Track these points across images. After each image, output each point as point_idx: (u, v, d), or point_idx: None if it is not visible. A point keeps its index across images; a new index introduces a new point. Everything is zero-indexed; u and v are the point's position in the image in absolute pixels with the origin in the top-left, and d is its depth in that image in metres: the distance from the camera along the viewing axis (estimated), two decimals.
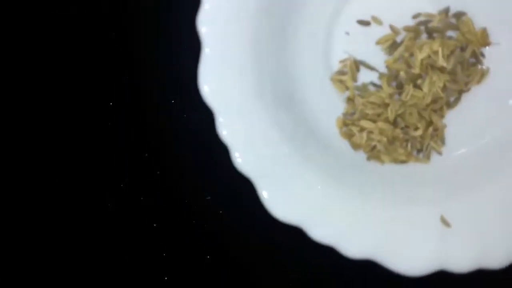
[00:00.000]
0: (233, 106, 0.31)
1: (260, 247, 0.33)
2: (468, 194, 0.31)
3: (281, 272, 0.33)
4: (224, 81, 0.30)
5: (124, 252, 0.34)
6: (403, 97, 0.33)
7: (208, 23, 0.30)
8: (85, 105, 0.34)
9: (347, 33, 0.34)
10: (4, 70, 0.35)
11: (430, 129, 0.33)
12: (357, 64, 0.34)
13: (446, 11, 0.33)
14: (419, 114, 0.33)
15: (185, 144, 0.34)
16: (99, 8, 0.34)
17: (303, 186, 0.31)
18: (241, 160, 0.30)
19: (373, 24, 0.33)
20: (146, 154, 0.34)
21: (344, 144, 0.34)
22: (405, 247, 0.30)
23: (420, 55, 0.32)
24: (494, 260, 0.29)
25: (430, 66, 0.33)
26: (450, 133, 0.33)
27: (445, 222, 0.30)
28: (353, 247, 0.30)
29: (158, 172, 0.34)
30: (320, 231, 0.30)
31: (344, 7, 0.33)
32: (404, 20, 0.33)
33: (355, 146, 0.33)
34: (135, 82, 0.34)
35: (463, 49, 0.33)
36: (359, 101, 0.33)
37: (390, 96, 0.33)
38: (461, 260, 0.29)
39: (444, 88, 0.33)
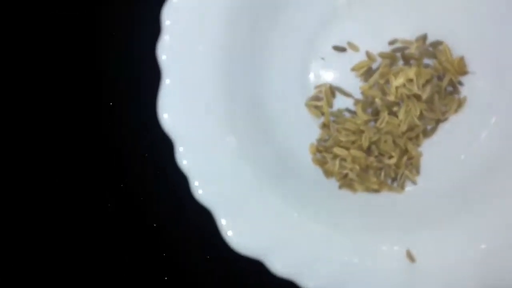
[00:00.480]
0: (194, 135, 0.30)
1: None
2: (438, 228, 0.30)
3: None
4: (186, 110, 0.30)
5: (124, 252, 0.34)
6: (378, 124, 0.32)
7: (168, 50, 0.30)
8: (85, 105, 0.34)
9: (323, 59, 0.33)
10: (4, 70, 0.35)
11: (405, 157, 0.32)
12: (332, 90, 0.33)
13: (423, 38, 0.32)
14: (394, 142, 0.32)
15: None
16: (100, 8, 0.35)
17: (267, 216, 0.30)
18: (202, 191, 0.30)
19: (349, 50, 0.33)
20: (146, 154, 0.34)
21: (317, 171, 0.33)
22: (369, 280, 0.29)
23: (395, 82, 0.32)
24: None
25: (406, 94, 0.32)
26: (425, 162, 0.32)
27: (410, 257, 0.29)
28: (313, 278, 0.29)
29: (158, 172, 0.34)
30: (280, 264, 0.29)
31: (320, 32, 0.33)
32: (381, 46, 0.33)
33: (328, 174, 0.33)
34: (135, 82, 0.34)
35: (440, 78, 0.32)
36: (334, 127, 0.33)
37: (365, 123, 0.32)
38: None
39: (421, 116, 0.32)
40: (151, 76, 0.31)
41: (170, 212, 0.34)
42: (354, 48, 0.33)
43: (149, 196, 0.34)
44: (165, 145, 0.30)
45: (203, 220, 0.32)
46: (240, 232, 0.30)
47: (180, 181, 0.30)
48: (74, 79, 0.35)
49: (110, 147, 0.34)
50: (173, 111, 0.30)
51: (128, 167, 0.34)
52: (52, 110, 0.35)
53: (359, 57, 0.33)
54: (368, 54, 0.33)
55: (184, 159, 0.30)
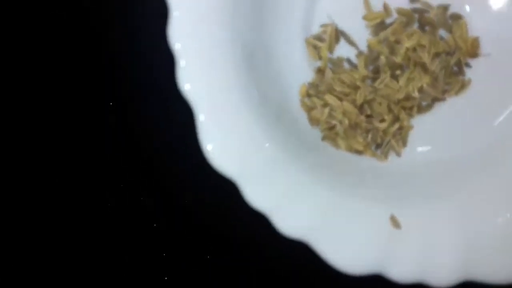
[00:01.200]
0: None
1: (260, 247, 0.32)
2: (421, 203, 0.28)
3: (281, 272, 0.33)
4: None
5: (124, 252, 0.34)
6: (376, 84, 0.30)
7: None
8: (85, 105, 0.34)
9: None
10: (4, 70, 0.34)
11: (396, 125, 0.30)
12: (337, 34, 0.30)
13: (445, 7, 0.30)
14: (388, 106, 0.30)
15: (186, 144, 0.31)
16: (100, 8, 0.34)
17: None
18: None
19: None
20: (146, 154, 0.34)
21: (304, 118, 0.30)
22: (347, 240, 0.27)
23: (407, 44, 0.29)
24: (437, 277, 0.26)
25: (413, 60, 0.30)
26: (413, 136, 0.30)
27: (395, 222, 0.27)
28: (288, 222, 0.27)
29: (158, 172, 0.33)
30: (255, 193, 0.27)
31: None
32: (401, 1, 0.30)
33: (313, 121, 0.30)
34: (135, 82, 0.33)
35: (449, 54, 0.30)
36: (329, 74, 0.30)
37: (363, 79, 0.30)
38: (402, 269, 0.26)
39: (421, 89, 0.30)
40: (151, 75, 0.31)
41: (170, 212, 0.33)
42: None
43: (149, 196, 0.34)
44: (165, 145, 0.30)
45: (203, 220, 0.32)
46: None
47: (180, 180, 0.30)
48: (74, 79, 0.34)
49: (110, 147, 0.34)
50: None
51: (128, 167, 0.34)
52: (52, 110, 0.34)
53: (374, 7, 0.30)
54: (385, 7, 0.30)
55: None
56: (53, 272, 0.34)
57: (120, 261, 0.34)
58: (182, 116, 0.30)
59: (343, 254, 0.27)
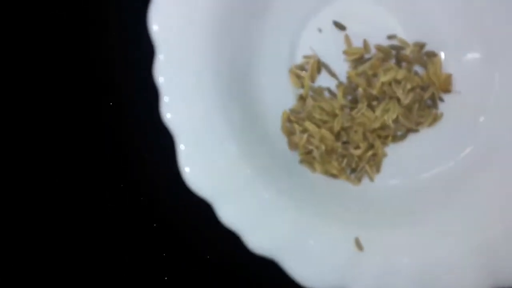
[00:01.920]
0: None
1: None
2: (385, 228, 0.29)
3: (282, 271, 0.32)
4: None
5: (124, 252, 0.34)
6: (353, 112, 0.32)
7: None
8: (85, 105, 0.34)
9: (320, 30, 0.32)
10: (4, 70, 0.34)
11: (370, 152, 0.32)
12: (319, 65, 0.32)
13: (421, 45, 0.32)
14: (364, 134, 0.32)
15: None
16: (100, 8, 0.34)
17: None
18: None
19: (347, 31, 0.32)
20: (146, 154, 0.34)
21: (283, 141, 0.32)
22: (312, 258, 0.28)
23: (383, 78, 0.32)
24: None
25: (388, 93, 0.32)
26: (387, 164, 0.32)
27: (359, 245, 0.29)
28: (257, 240, 0.28)
29: (158, 172, 0.33)
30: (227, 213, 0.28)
31: (325, 4, 0.32)
32: (379, 36, 0.32)
33: (292, 145, 0.32)
34: (135, 82, 0.33)
35: (423, 89, 0.32)
36: (310, 102, 0.32)
37: (341, 108, 0.32)
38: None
39: (396, 120, 0.32)
40: (151, 76, 0.30)
41: (170, 212, 0.34)
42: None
43: (149, 196, 0.34)
44: (165, 145, 0.30)
45: (203, 220, 0.31)
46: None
47: (180, 181, 0.29)
48: (74, 79, 0.34)
49: (110, 147, 0.34)
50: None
51: (128, 167, 0.34)
52: (52, 110, 0.34)
53: (354, 42, 0.32)
54: (365, 43, 0.32)
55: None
56: (53, 272, 0.34)
57: (120, 261, 0.34)
58: None
59: (307, 271, 0.28)
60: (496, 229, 0.28)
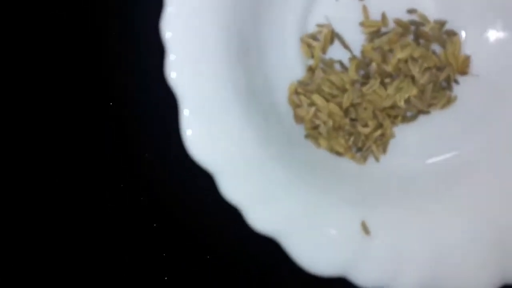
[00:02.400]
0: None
1: (261, 246, 0.31)
2: (394, 210, 0.28)
3: (282, 271, 0.32)
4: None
5: (124, 252, 0.34)
6: (365, 89, 0.30)
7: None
8: (85, 105, 0.34)
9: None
10: (3, 70, 0.34)
11: (378, 131, 0.30)
12: (332, 36, 0.31)
13: (442, 23, 0.31)
14: (374, 112, 0.30)
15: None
16: (100, 8, 0.34)
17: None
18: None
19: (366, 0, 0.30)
20: (146, 154, 0.33)
21: (290, 114, 0.30)
22: (316, 240, 0.27)
23: (400, 54, 0.30)
24: (403, 285, 0.27)
25: (403, 71, 0.30)
26: (394, 144, 0.31)
27: (365, 229, 0.28)
28: (258, 217, 0.27)
29: (158, 172, 0.33)
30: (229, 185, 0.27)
31: None
32: (399, 9, 0.31)
33: (298, 119, 0.30)
34: (135, 81, 0.33)
35: (439, 69, 0.31)
36: (319, 74, 0.30)
37: (352, 82, 0.30)
38: (368, 275, 0.27)
39: (407, 100, 0.30)
40: (151, 75, 0.30)
41: (170, 212, 0.33)
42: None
43: (149, 196, 0.34)
44: (165, 145, 0.30)
45: (203, 220, 0.32)
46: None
47: (180, 180, 0.30)
48: (74, 79, 0.34)
49: (110, 147, 0.34)
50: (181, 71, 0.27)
51: (128, 167, 0.34)
52: (52, 110, 0.34)
53: (373, 14, 0.31)
54: (383, 16, 0.31)
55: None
56: (53, 272, 0.34)
57: (120, 261, 0.34)
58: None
59: (310, 254, 0.27)
60: (507, 215, 0.27)
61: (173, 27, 0.28)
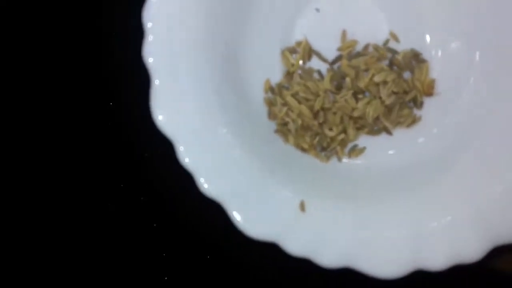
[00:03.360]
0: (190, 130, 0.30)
1: (260, 245, 0.32)
2: (337, 198, 0.31)
3: (281, 271, 0.33)
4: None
5: (124, 252, 0.34)
6: (337, 97, 0.33)
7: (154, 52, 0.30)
8: (85, 105, 0.34)
9: (317, 10, 0.34)
10: (3, 70, 0.35)
11: (342, 135, 0.33)
12: (310, 51, 0.34)
13: (415, 54, 0.33)
14: (341, 118, 0.33)
15: None
16: (100, 8, 0.35)
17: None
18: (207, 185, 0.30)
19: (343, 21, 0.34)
20: (146, 154, 0.34)
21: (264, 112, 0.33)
22: (256, 208, 0.30)
23: (377, 78, 0.32)
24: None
25: (373, 91, 0.33)
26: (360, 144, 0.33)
27: (302, 206, 0.30)
28: (210, 184, 0.29)
29: (158, 172, 0.34)
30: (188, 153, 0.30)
31: None
32: (376, 37, 0.34)
33: (271, 116, 0.33)
34: (135, 81, 0.33)
35: (406, 92, 0.33)
36: (297, 78, 0.33)
37: (325, 91, 0.33)
38: (295, 243, 0.29)
39: (375, 117, 0.33)
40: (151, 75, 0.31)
41: (170, 212, 0.34)
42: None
43: (149, 196, 0.34)
44: (165, 145, 0.30)
45: (203, 220, 0.33)
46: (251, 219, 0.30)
47: (180, 180, 0.30)
48: (74, 79, 0.35)
49: (110, 147, 0.34)
50: (166, 109, 0.30)
51: (128, 167, 0.34)
52: (52, 110, 0.35)
53: (349, 28, 0.34)
54: (365, 47, 0.34)
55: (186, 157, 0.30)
56: (53, 272, 0.34)
57: (120, 261, 0.34)
58: None
59: (250, 219, 0.29)
60: (488, 194, 0.30)
61: (155, 17, 0.30)
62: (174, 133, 0.30)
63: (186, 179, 0.30)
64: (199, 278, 0.34)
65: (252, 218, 0.29)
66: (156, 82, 0.30)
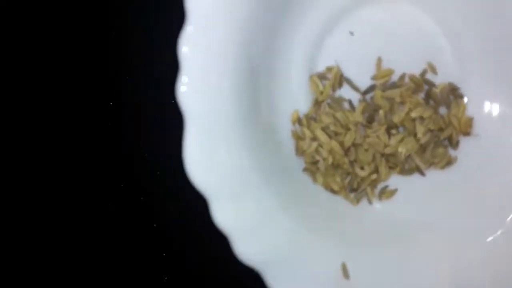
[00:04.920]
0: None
1: None
2: (374, 253, 0.28)
3: None
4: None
5: (124, 252, 0.34)
6: (370, 131, 0.30)
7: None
8: (85, 105, 0.34)
9: (351, 33, 0.31)
10: (3, 70, 0.34)
11: (374, 175, 0.30)
12: (341, 79, 0.31)
13: (453, 88, 0.31)
14: (373, 156, 0.30)
15: None
16: (99, 8, 0.34)
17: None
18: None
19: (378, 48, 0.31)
20: (146, 154, 0.34)
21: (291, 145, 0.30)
22: (296, 275, 0.27)
23: (413, 114, 0.30)
24: None
25: (408, 127, 0.30)
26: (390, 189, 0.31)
27: (345, 271, 0.27)
28: (245, 248, 0.27)
29: (158, 172, 0.33)
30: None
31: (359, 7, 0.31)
32: (412, 67, 0.31)
33: (299, 152, 0.30)
34: (135, 82, 0.34)
35: (441, 129, 0.31)
36: (325, 109, 0.30)
37: (356, 124, 0.30)
38: None
39: (408, 155, 0.31)
40: (151, 75, 0.31)
41: (170, 212, 0.34)
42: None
43: (149, 196, 0.34)
44: (165, 145, 0.30)
45: (203, 219, 0.31)
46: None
47: (180, 181, 0.29)
48: (74, 79, 0.34)
49: (110, 147, 0.34)
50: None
51: (128, 167, 0.34)
52: (52, 110, 0.34)
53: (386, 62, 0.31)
54: (401, 77, 0.31)
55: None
56: (53, 272, 0.34)
57: (120, 261, 0.34)
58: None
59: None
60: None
61: (190, 43, 0.27)
62: (207, 188, 0.27)
63: (186, 179, 0.29)
64: (199, 278, 0.33)
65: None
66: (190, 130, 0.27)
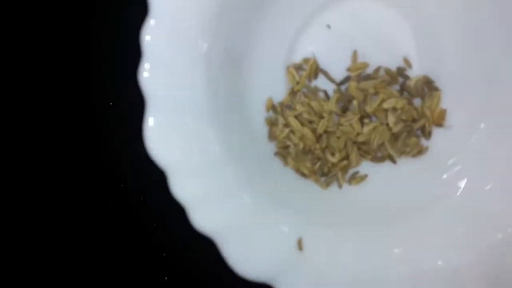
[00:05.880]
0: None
1: None
2: (335, 232, 0.29)
3: None
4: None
5: (124, 252, 0.34)
6: (342, 120, 0.31)
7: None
8: (85, 105, 0.34)
9: (328, 26, 0.32)
10: (3, 70, 0.34)
11: (344, 162, 0.31)
12: (317, 71, 0.32)
13: (428, 81, 0.32)
14: (345, 143, 0.31)
15: None
16: (100, 8, 0.34)
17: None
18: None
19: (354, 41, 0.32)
20: (146, 154, 0.33)
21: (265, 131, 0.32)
22: (251, 246, 0.29)
23: (385, 104, 0.31)
24: None
25: (380, 117, 0.31)
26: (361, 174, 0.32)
27: (300, 245, 0.29)
28: (201, 218, 0.28)
29: (158, 172, 0.32)
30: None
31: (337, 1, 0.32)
32: (388, 61, 0.32)
33: (271, 137, 0.31)
34: (135, 81, 0.32)
35: (415, 120, 0.32)
36: (300, 98, 0.32)
37: (330, 112, 0.32)
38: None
39: (381, 144, 0.31)
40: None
41: (169, 212, 0.32)
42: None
43: (149, 196, 0.34)
44: None
45: None
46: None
47: None
48: (74, 79, 0.34)
49: (110, 147, 0.34)
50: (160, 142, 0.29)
51: (128, 167, 0.34)
52: (52, 110, 0.34)
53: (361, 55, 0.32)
54: (375, 70, 0.32)
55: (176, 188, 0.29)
56: (53, 272, 0.34)
57: (120, 261, 0.34)
58: None
59: (243, 259, 0.28)
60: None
61: (154, 33, 0.29)
62: (165, 161, 0.28)
63: None
64: (199, 278, 0.33)
65: (245, 257, 0.28)
66: (151, 108, 0.28)
